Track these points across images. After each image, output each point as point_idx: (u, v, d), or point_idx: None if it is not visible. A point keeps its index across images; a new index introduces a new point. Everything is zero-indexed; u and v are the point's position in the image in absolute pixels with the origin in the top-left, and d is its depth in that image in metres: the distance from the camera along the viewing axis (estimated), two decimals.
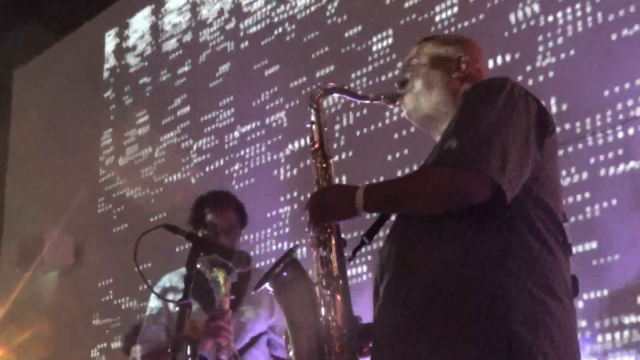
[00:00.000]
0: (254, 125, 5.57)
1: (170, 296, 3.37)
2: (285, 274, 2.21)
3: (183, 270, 3.39)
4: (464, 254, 1.98)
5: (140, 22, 6.97)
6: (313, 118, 2.35)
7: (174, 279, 3.47)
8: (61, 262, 6.97)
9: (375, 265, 2.21)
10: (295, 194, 5.09)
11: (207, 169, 5.91)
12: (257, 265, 4.43)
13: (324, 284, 2.20)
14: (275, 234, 5.16)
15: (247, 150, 5.59)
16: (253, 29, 5.80)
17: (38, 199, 7.50)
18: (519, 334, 1.88)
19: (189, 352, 2.60)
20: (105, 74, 7.21)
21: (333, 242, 2.22)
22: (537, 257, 1.97)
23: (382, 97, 2.35)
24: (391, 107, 2.37)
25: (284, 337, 2.28)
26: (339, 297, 2.18)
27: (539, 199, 2.03)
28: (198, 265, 3.42)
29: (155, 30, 6.77)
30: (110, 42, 7.27)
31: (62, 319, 6.88)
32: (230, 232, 3.41)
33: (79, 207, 6.94)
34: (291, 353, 2.20)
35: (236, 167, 5.65)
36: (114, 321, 6.40)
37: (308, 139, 2.36)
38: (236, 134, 5.71)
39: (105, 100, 7.14)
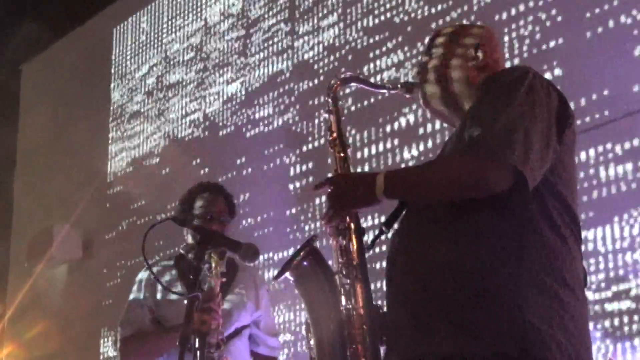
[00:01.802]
0: (261, 121, 5.58)
1: (142, 290, 3.34)
2: (305, 263, 2.20)
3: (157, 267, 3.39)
4: (480, 242, 1.98)
5: (147, 17, 6.97)
6: (330, 107, 2.35)
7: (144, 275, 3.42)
8: (70, 256, 6.99)
9: (388, 252, 2.21)
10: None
11: (213, 163, 5.92)
12: None
13: (344, 273, 2.19)
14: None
15: (256, 144, 5.59)
16: (259, 23, 5.80)
17: (46, 194, 7.52)
18: (533, 324, 1.89)
19: (197, 345, 2.59)
20: (113, 69, 7.22)
21: (352, 231, 2.22)
22: (552, 248, 1.98)
23: (399, 86, 2.35)
24: (408, 96, 2.37)
25: (304, 328, 2.28)
26: (359, 286, 2.17)
27: (556, 191, 2.04)
28: (182, 252, 3.40)
29: (163, 25, 6.77)
30: (117, 36, 7.27)
31: (71, 313, 6.89)
32: (221, 218, 3.34)
33: (88, 201, 6.95)
34: (312, 342, 2.20)
35: (243, 160, 5.67)
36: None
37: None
38: (244, 128, 5.71)
39: (113, 95, 7.15)
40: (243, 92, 5.81)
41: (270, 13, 5.73)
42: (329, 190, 2.14)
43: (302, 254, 2.22)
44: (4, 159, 7.94)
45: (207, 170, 5.93)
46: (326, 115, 2.37)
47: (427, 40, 2.39)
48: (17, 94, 8.19)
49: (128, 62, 7.07)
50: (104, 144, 7.07)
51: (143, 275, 3.42)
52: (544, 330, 1.89)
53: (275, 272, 2.45)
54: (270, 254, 5.17)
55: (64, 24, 7.57)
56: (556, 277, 1.96)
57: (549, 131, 2.02)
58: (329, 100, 2.36)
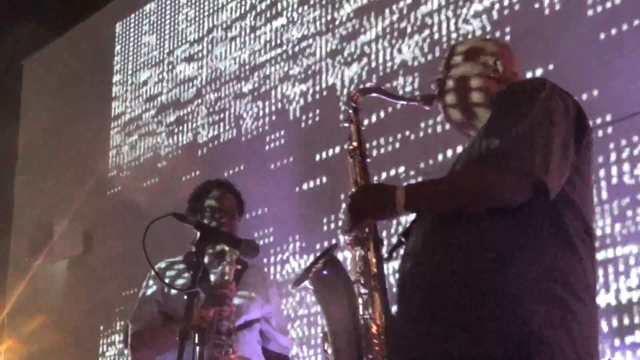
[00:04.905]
0: (268, 119, 5.59)
1: (151, 285, 3.38)
2: (324, 272, 2.22)
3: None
4: (488, 248, 2.00)
5: (152, 12, 6.96)
6: (351, 117, 2.37)
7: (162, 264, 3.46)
8: (70, 251, 6.98)
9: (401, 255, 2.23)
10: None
11: (214, 160, 5.93)
12: None
13: (362, 282, 2.21)
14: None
15: (260, 143, 5.60)
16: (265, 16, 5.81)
17: (47, 189, 7.51)
18: (537, 329, 1.91)
19: (197, 341, 2.61)
20: (115, 65, 7.21)
21: (371, 241, 2.24)
22: (562, 256, 2.00)
23: (418, 97, 2.37)
24: (427, 108, 2.39)
25: (321, 334, 2.29)
26: (377, 296, 2.20)
27: (570, 200, 2.06)
28: (193, 248, 3.41)
29: (166, 22, 6.77)
30: (120, 33, 7.26)
31: (70, 308, 6.89)
32: (230, 213, 3.37)
33: (88, 196, 6.95)
34: (330, 351, 2.22)
35: (246, 158, 5.67)
36: (123, 311, 6.42)
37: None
38: (250, 127, 5.72)
39: (115, 91, 7.15)
40: (248, 89, 5.82)
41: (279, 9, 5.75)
42: (349, 202, 2.16)
43: (321, 262, 2.24)
44: (5, 154, 7.93)
45: (208, 166, 5.94)
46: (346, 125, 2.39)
47: (448, 52, 2.41)
48: (18, 90, 8.18)
49: (130, 59, 7.07)
50: (105, 139, 7.07)
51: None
52: (547, 335, 1.91)
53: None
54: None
55: (67, 20, 7.55)
56: (564, 285, 1.98)
57: (567, 142, 2.04)
58: (349, 110, 2.38)
